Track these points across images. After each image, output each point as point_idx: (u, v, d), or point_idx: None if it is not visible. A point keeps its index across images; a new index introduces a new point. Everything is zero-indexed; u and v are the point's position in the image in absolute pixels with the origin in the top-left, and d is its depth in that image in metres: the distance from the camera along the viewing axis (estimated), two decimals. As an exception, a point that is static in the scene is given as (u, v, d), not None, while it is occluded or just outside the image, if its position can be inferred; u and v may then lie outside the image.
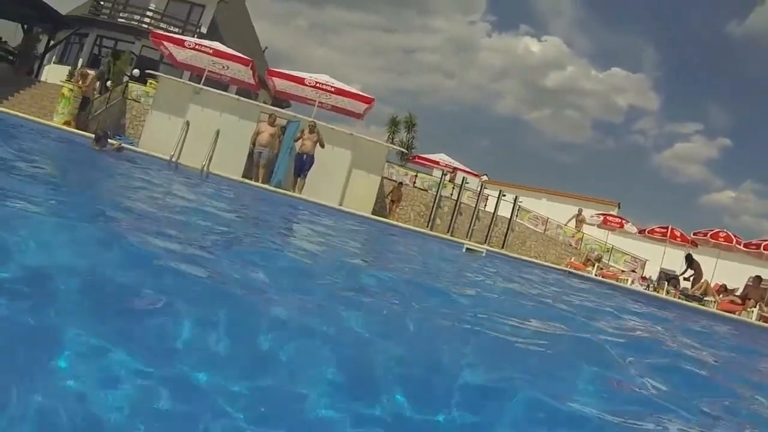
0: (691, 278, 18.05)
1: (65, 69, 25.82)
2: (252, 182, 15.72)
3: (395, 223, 17.07)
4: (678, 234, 23.21)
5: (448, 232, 19.25)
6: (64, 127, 16.99)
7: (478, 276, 9.87)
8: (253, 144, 17.11)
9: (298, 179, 16.71)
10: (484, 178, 27.91)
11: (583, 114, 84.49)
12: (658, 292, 17.05)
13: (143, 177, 10.36)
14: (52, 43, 31.04)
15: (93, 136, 12.63)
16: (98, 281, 2.98)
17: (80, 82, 19.95)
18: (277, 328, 3.00)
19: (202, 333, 2.70)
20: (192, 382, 2.33)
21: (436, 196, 20.22)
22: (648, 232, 24.77)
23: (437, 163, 26.86)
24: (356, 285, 5.38)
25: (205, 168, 13.53)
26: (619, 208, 36.74)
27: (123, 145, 13.72)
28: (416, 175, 24.72)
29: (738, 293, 16.70)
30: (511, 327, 4.74)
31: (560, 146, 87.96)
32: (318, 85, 19.58)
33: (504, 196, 22.07)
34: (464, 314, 5.11)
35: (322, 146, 16.67)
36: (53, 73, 28.58)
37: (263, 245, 6.41)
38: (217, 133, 14.01)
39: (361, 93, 20.29)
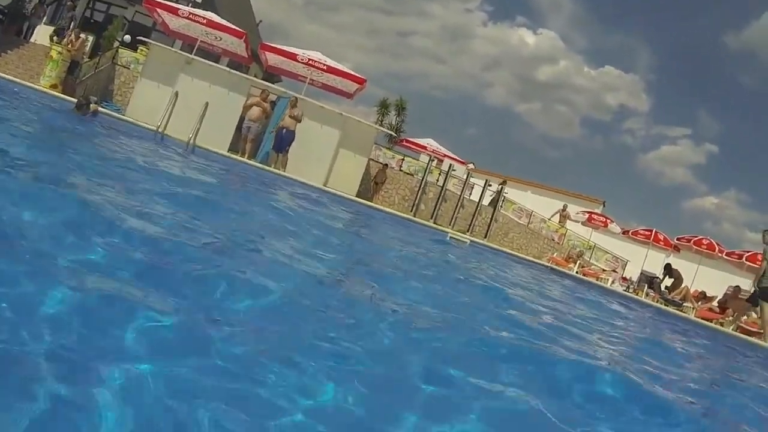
0: (671, 284, 18.12)
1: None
2: (238, 157, 15.63)
3: (380, 207, 17.03)
4: (662, 237, 23.39)
5: (431, 218, 19.21)
6: (50, 91, 16.81)
7: (460, 266, 9.92)
8: (243, 118, 17.01)
9: (279, 155, 16.60)
10: (471, 166, 27.93)
11: (574, 110, 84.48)
12: (637, 294, 17.16)
13: (125, 149, 10.26)
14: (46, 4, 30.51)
15: (76, 101, 12.55)
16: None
17: (70, 45, 19.70)
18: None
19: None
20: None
21: (422, 181, 20.14)
22: (632, 234, 24.96)
23: (424, 148, 26.78)
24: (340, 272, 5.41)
25: (191, 141, 13.41)
26: (603, 206, 36.93)
27: (100, 109, 13.59)
28: (403, 159, 24.65)
29: (716, 302, 16.79)
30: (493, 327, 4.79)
31: (549, 140, 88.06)
32: (310, 62, 19.46)
33: (490, 185, 22.06)
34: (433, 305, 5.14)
35: (299, 121, 16.57)
36: (44, 34, 28.09)
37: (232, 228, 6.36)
38: (206, 105, 13.88)
39: (353, 73, 20.17)
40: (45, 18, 30.48)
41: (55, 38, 22.08)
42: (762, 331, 12.28)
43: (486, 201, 22.02)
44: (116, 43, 24.09)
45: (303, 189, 13.54)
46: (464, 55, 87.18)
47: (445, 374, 3.23)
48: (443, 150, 26.76)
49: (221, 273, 3.85)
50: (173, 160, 10.86)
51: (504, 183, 25.65)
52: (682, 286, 17.60)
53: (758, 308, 12.48)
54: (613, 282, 19.01)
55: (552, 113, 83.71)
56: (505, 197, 23.34)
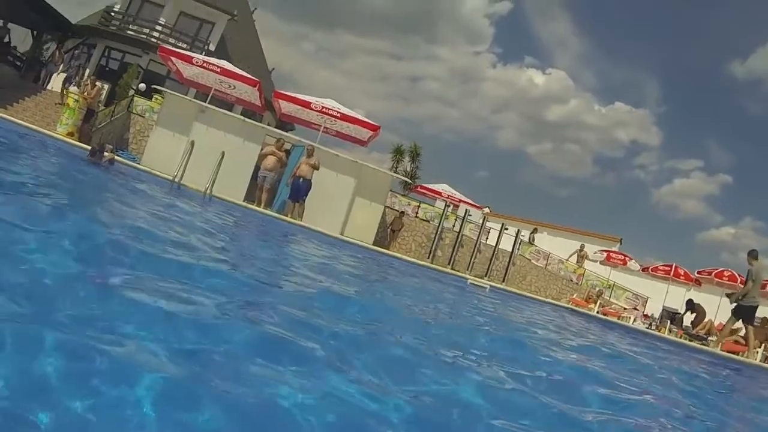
0: (694, 318, 17.86)
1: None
2: (254, 207, 15.49)
3: (398, 255, 16.82)
4: (682, 272, 23.09)
5: (449, 264, 19.01)
6: (67, 139, 16.81)
7: (484, 311, 9.69)
8: (258, 167, 16.93)
9: (296, 204, 16.43)
10: (486, 210, 27.76)
11: (585, 148, 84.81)
12: (660, 331, 16.81)
13: (143, 199, 10.13)
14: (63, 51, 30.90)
15: (90, 148, 12.52)
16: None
17: (86, 93, 19.83)
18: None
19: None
20: None
21: (439, 227, 20.00)
22: (651, 270, 24.66)
23: (440, 193, 26.73)
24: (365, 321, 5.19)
25: (208, 191, 13.33)
26: (620, 243, 36.60)
27: (116, 157, 13.53)
28: (419, 206, 24.56)
29: (742, 333, 16.45)
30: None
31: (561, 180, 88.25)
32: (324, 109, 19.45)
33: (506, 229, 21.86)
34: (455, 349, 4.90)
35: (316, 169, 16.45)
36: (59, 81, 28.45)
37: (254, 273, 6.19)
38: (222, 154, 13.83)
39: (367, 120, 20.13)
40: (63, 65, 30.91)
41: (67, 85, 22.32)
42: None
43: (503, 245, 21.84)
44: (131, 92, 24.24)
45: (320, 239, 13.36)
46: (474, 97, 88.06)
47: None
48: (458, 195, 26.67)
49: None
50: (192, 211, 10.74)
51: (535, 231, 25.62)
52: (706, 320, 17.27)
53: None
54: (634, 320, 18.70)
55: (563, 153, 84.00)
56: (522, 240, 23.14)
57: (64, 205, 6.51)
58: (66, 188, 8.05)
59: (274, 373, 3.10)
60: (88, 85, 20.81)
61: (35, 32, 29.34)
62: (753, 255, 13.00)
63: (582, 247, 27.32)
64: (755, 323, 16.25)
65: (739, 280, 20.79)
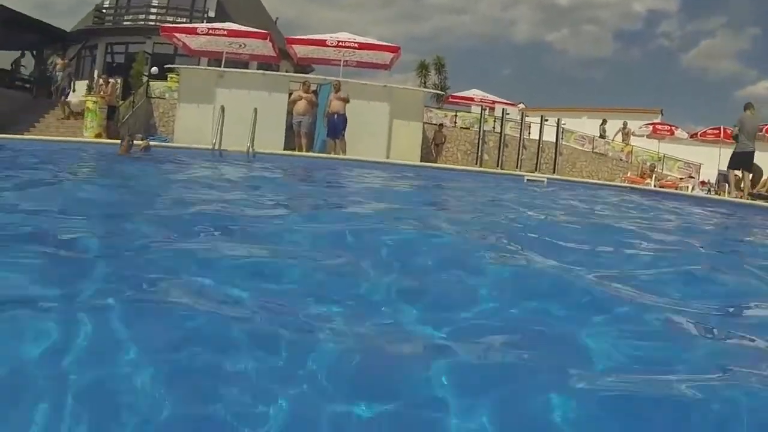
0: (751, 178, 17.24)
1: (83, 83, 25.49)
2: (298, 153, 15.31)
3: (451, 166, 16.59)
4: (731, 133, 22.30)
5: (497, 166, 18.72)
6: (96, 140, 16.78)
7: (556, 205, 9.42)
8: (290, 114, 16.69)
9: (336, 141, 16.19)
10: (521, 106, 27.14)
11: (602, 27, 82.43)
12: (719, 194, 16.30)
13: (199, 173, 9.98)
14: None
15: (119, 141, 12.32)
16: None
17: (101, 92, 19.73)
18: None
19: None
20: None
21: (480, 132, 19.65)
22: (700, 136, 24.00)
23: (472, 99, 26.21)
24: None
25: (251, 149, 13.17)
26: (662, 114, 35.41)
27: (151, 143, 13.33)
28: (456, 115, 24.10)
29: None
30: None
31: (586, 63, 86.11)
32: (340, 43, 19.02)
33: (546, 120, 21.40)
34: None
35: (347, 102, 16.10)
36: (81, 86, 28.40)
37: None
38: (255, 111, 13.60)
39: (385, 43, 19.67)
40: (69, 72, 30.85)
41: (63, 98, 22.25)
42: None
43: (546, 137, 21.37)
44: (145, 78, 24.05)
45: (372, 167, 13.15)
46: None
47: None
48: (491, 97, 26.14)
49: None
50: (245, 169, 10.70)
51: (604, 122, 25.08)
52: (765, 177, 16.62)
53: None
54: (692, 188, 18.26)
55: (582, 35, 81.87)
56: (564, 128, 22.57)
57: (140, 194, 6.40)
58: (126, 181, 7.89)
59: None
60: (102, 84, 20.72)
61: (34, 51, 29.21)
62: (745, 106, 13.74)
63: (625, 124, 26.48)
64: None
65: None
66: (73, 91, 23.11)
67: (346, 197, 8.08)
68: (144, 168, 10.04)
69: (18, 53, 28.39)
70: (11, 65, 27.44)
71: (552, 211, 8.03)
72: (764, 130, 20.91)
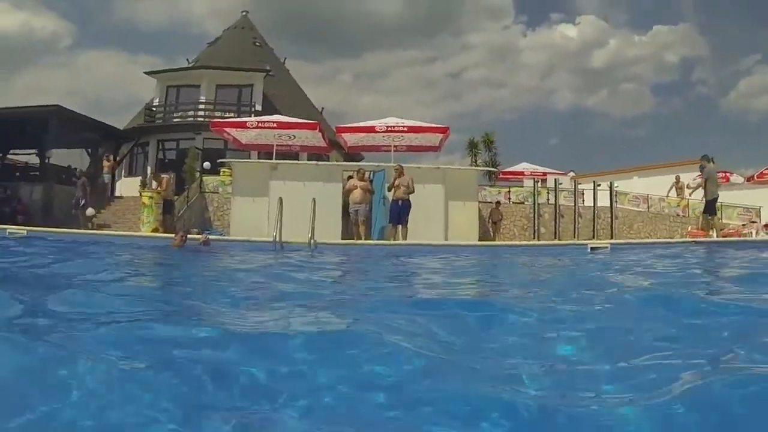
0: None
1: (136, 179, 26.08)
2: (360, 242, 15.21)
3: (510, 243, 16.30)
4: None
5: (555, 237, 18.44)
6: (153, 234, 16.94)
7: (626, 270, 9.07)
8: (346, 203, 16.69)
9: (399, 228, 16.01)
10: (572, 174, 26.95)
11: (640, 83, 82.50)
12: None
13: (266, 265, 9.90)
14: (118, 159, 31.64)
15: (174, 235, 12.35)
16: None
17: (158, 188, 20.07)
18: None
19: None
20: None
21: (534, 205, 19.49)
22: (757, 178, 23.39)
23: (522, 173, 26.19)
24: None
25: (312, 240, 13.11)
26: (712, 162, 34.68)
27: (209, 237, 13.37)
28: (509, 191, 23.96)
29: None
30: None
31: (629, 121, 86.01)
32: (389, 128, 19.18)
33: (599, 186, 21.17)
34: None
35: (412, 191, 16.00)
36: (126, 186, 29.14)
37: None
38: (314, 201, 13.62)
39: (434, 125, 19.76)
40: (123, 172, 31.74)
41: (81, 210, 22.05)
42: None
43: (600, 202, 21.06)
44: (197, 174, 24.50)
45: (439, 251, 12.93)
46: (518, 71, 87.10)
47: None
48: (541, 168, 26.10)
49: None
50: (313, 262, 10.59)
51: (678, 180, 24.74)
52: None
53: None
54: (757, 233, 17.72)
55: (621, 94, 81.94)
56: (616, 191, 22.26)
57: (212, 290, 6.27)
58: (192, 277, 7.84)
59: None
60: (155, 180, 21.11)
61: (89, 150, 30.15)
62: (704, 158, 16.49)
63: (677, 178, 25.97)
64: None
65: None
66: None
67: (447, 280, 7.96)
68: (208, 260, 10.04)
69: (76, 151, 29.45)
70: (67, 165, 28.35)
71: (628, 276, 7.79)
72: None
